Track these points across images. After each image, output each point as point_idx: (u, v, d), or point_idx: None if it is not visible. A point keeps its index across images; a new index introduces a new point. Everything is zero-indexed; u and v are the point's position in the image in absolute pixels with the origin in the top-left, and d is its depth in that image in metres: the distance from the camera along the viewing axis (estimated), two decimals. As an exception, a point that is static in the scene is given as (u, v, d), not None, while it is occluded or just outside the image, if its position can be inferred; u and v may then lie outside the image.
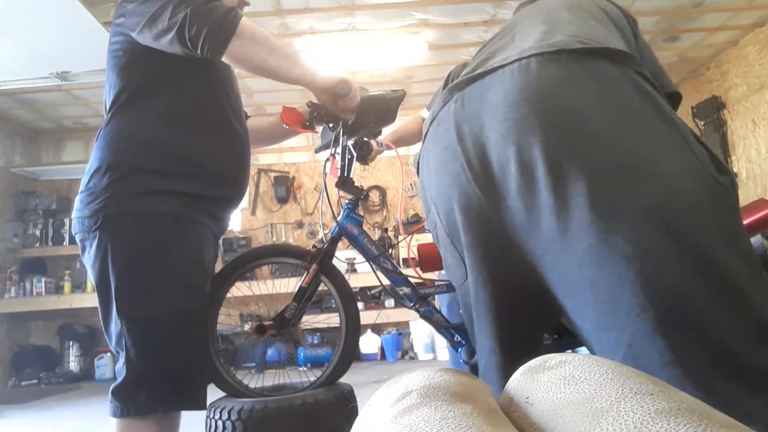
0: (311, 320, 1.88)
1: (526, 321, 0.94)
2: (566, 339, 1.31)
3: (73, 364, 5.17)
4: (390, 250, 4.63)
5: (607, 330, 0.78)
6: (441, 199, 0.97)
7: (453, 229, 0.96)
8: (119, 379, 1.25)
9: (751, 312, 0.74)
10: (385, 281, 1.65)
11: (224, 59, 1.24)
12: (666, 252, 0.74)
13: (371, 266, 1.66)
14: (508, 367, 0.79)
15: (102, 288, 1.26)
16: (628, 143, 0.78)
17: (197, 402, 1.33)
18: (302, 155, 5.90)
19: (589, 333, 0.83)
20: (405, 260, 4.45)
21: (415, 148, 5.52)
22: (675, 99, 1.07)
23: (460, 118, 0.91)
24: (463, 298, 1.04)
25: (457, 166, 0.91)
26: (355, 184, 1.66)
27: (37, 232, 5.33)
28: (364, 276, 4.35)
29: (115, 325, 1.25)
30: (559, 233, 0.80)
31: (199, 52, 1.20)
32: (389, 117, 1.62)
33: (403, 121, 2.16)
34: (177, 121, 1.33)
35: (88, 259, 1.28)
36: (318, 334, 4.94)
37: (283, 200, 5.83)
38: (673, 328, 0.72)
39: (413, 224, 5.50)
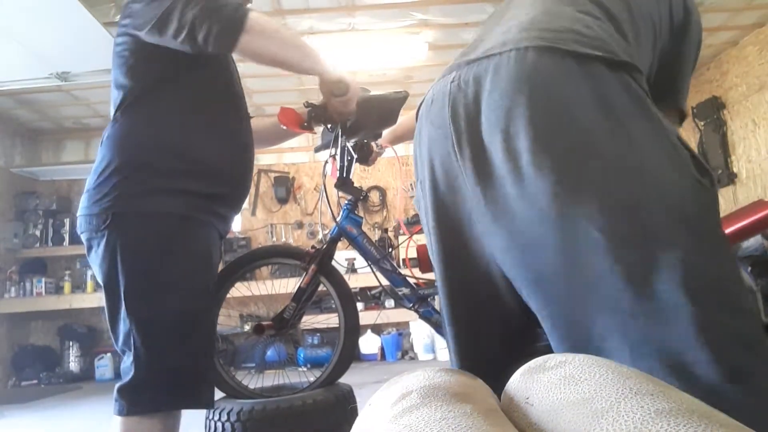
0: (311, 320, 1.88)
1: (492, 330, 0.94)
2: None
3: (73, 364, 5.17)
4: (390, 250, 4.63)
5: (574, 324, 0.80)
6: (429, 179, 0.97)
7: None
8: (126, 378, 1.25)
9: (725, 311, 0.74)
10: (385, 282, 1.65)
11: (236, 54, 1.26)
12: (638, 243, 0.76)
13: (370, 267, 1.66)
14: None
15: (110, 287, 1.26)
16: (612, 139, 0.80)
17: (204, 401, 1.34)
18: (302, 155, 5.91)
19: (556, 325, 0.83)
20: (404, 261, 4.45)
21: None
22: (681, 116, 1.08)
23: (456, 100, 0.91)
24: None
25: (448, 145, 0.91)
26: (355, 184, 1.66)
27: (37, 232, 5.33)
28: (364, 276, 4.35)
29: (123, 324, 1.25)
30: (538, 223, 0.81)
31: (210, 49, 1.22)
32: (391, 119, 1.62)
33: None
34: (184, 120, 1.35)
35: (95, 258, 1.28)
36: (318, 334, 4.94)
37: (283, 200, 5.83)
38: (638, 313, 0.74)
39: (413, 224, 5.50)
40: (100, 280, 1.29)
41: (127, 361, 1.26)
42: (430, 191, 0.96)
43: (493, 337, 0.95)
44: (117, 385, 1.25)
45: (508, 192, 0.83)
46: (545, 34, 0.87)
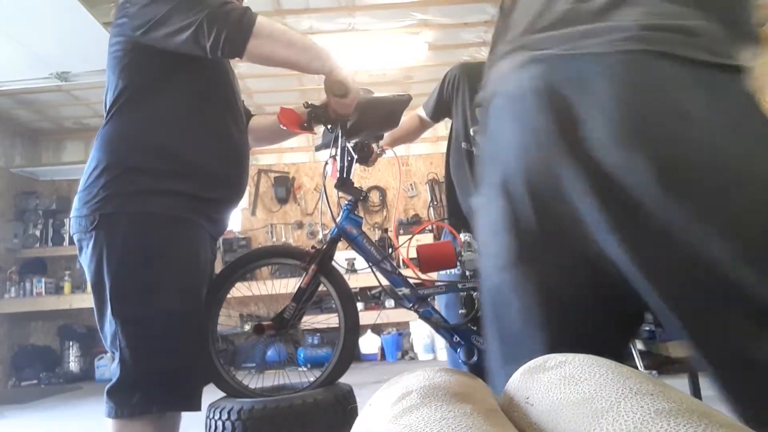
0: (311, 320, 1.89)
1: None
2: None
3: (73, 364, 5.17)
4: (390, 251, 4.62)
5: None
6: (525, 184, 0.89)
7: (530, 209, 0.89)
8: (113, 380, 1.25)
9: None
10: (384, 282, 1.65)
11: (245, 59, 1.27)
12: None
13: (370, 267, 1.66)
14: None
15: (97, 288, 1.26)
16: (749, 155, 0.76)
17: (191, 403, 1.32)
18: (302, 155, 5.91)
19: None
20: (405, 260, 4.45)
21: (416, 148, 5.49)
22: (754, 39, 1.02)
23: (554, 101, 0.83)
24: (498, 287, 0.93)
25: (550, 153, 0.84)
26: (355, 185, 1.66)
27: (37, 233, 5.34)
28: (364, 276, 4.34)
29: (109, 325, 1.25)
30: (670, 249, 0.76)
31: (219, 55, 1.23)
32: (392, 121, 1.61)
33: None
34: (176, 122, 1.34)
35: (85, 259, 1.28)
36: (318, 334, 4.94)
37: (283, 200, 5.83)
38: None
39: (413, 225, 5.51)
40: (89, 281, 1.29)
41: (115, 362, 1.25)
42: (527, 199, 0.89)
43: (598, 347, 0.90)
44: (106, 387, 1.25)
45: (636, 213, 0.78)
46: (655, 35, 0.82)
